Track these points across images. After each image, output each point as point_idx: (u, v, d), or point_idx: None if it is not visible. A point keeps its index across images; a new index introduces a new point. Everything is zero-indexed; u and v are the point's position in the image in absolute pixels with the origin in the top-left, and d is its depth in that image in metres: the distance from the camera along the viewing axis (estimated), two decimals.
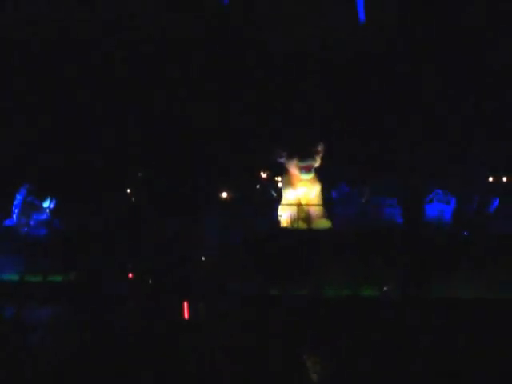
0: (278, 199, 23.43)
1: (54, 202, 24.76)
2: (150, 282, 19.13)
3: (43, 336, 15.75)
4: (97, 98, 28.70)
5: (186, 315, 16.80)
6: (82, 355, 14.00)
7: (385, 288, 18.10)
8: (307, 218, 22.40)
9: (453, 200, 23.28)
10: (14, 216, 24.49)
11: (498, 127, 28.03)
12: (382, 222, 22.29)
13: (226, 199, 25.12)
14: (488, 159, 27.16)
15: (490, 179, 27.68)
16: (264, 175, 26.76)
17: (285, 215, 22.66)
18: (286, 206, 22.76)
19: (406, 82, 25.60)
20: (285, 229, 22.19)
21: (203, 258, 19.96)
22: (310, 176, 22.84)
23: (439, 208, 23.02)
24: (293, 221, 22.19)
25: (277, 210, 22.90)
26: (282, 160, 23.15)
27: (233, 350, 14.11)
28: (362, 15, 25.18)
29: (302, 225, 22.17)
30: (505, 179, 27.71)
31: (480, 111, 27.97)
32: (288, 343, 14.63)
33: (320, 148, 22.87)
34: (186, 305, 17.00)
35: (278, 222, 22.54)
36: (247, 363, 13.19)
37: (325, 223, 22.26)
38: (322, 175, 23.08)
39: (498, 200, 24.17)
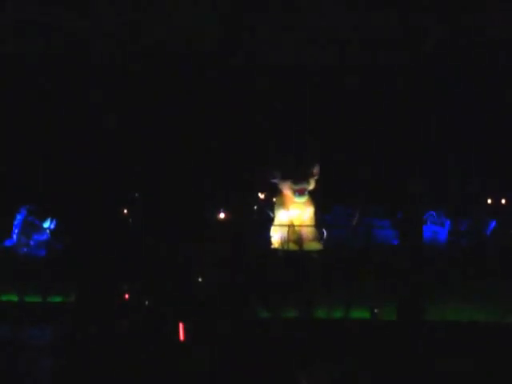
0: (274, 220, 23.46)
1: (54, 222, 24.94)
2: (147, 303, 19.30)
3: (40, 357, 15.95)
4: (95, 116, 28.91)
5: (182, 337, 16.99)
6: (78, 375, 14.24)
7: (375, 310, 18.22)
8: (299, 240, 22.36)
9: (447, 222, 23.44)
10: (14, 236, 24.65)
11: (498, 149, 28.05)
12: (373, 243, 22.35)
13: (223, 220, 25.23)
14: (486, 181, 27.16)
15: (489, 201, 27.66)
16: (262, 196, 26.78)
17: (276, 236, 22.69)
18: (277, 227, 22.77)
19: (404, 102, 25.59)
20: (275, 250, 22.22)
21: (200, 280, 20.07)
22: (304, 199, 22.75)
23: (433, 230, 23.20)
24: (283, 242, 22.18)
25: (269, 230, 22.92)
26: (276, 181, 23.10)
27: (228, 371, 14.33)
28: None
29: (292, 246, 22.10)
30: (504, 201, 27.70)
31: (479, 132, 28.04)
32: (281, 365, 14.86)
33: (315, 171, 22.79)
34: (181, 326, 17.17)
35: (270, 243, 22.56)
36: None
37: (316, 246, 22.24)
38: (315, 197, 23.02)
39: (494, 222, 24.32)
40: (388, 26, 24.77)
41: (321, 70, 28.30)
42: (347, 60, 27.47)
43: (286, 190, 22.87)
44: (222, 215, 25.19)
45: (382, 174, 26.10)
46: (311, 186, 22.82)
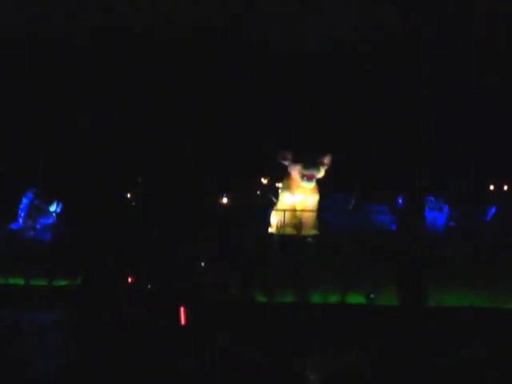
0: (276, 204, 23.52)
1: (60, 205, 25.10)
2: (149, 286, 19.56)
3: (46, 340, 16.25)
4: (99, 101, 29.13)
5: (183, 321, 17.27)
6: (81, 359, 14.53)
7: (371, 295, 18.42)
8: (298, 225, 22.38)
9: (446, 207, 23.50)
10: (20, 219, 24.80)
11: (498, 134, 28.06)
12: (371, 228, 22.37)
13: (225, 204, 25.31)
14: (487, 167, 27.15)
15: (491, 187, 27.57)
16: (265, 181, 26.85)
17: (275, 220, 22.67)
18: (278, 212, 22.70)
19: (404, 90, 25.64)
20: (272, 234, 22.23)
21: (203, 264, 20.25)
22: (311, 185, 22.64)
23: (431, 215, 23.24)
24: (279, 227, 22.16)
25: (269, 215, 22.94)
26: (286, 163, 23.05)
27: (228, 355, 14.60)
28: None
29: (289, 231, 22.09)
30: (506, 188, 27.60)
31: (480, 117, 28.06)
32: (279, 350, 15.16)
33: (327, 160, 22.68)
34: (182, 310, 17.42)
35: (268, 228, 22.62)
36: (243, 369, 13.66)
37: (313, 232, 22.22)
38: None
39: (494, 208, 24.34)
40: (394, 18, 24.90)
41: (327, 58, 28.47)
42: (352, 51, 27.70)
43: (295, 174, 22.70)
44: (224, 200, 25.24)
45: (380, 160, 26.18)
46: (321, 173, 22.69)
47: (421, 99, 22.77)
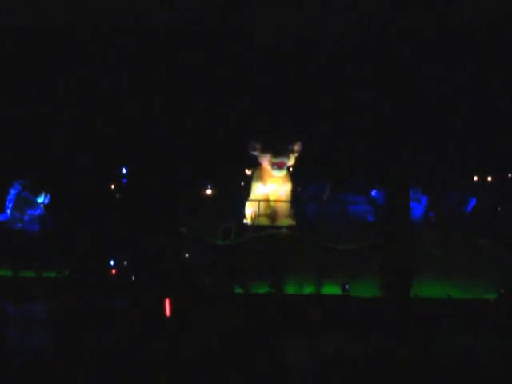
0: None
1: (48, 197, 25.29)
2: (133, 278, 19.85)
3: (33, 332, 16.59)
4: (85, 92, 29.33)
5: (168, 313, 17.62)
6: (67, 352, 14.88)
7: (346, 286, 18.75)
8: (272, 215, 22.45)
9: (424, 198, 23.71)
10: (8, 211, 25.01)
11: (481, 125, 28.21)
12: (346, 219, 22.58)
13: (209, 196, 25.45)
14: (467, 157, 27.33)
15: (475, 178, 27.79)
16: (249, 172, 27.07)
17: (249, 211, 22.75)
18: (252, 202, 22.80)
19: (383, 77, 25.71)
20: (246, 225, 22.32)
21: (187, 255, 20.53)
22: (282, 173, 22.69)
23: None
24: (255, 217, 22.24)
25: (244, 205, 23.04)
26: (256, 153, 23.02)
27: (214, 347, 15.00)
28: None
29: (263, 221, 22.18)
30: (489, 178, 27.82)
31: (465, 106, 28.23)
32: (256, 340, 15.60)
33: (296, 147, 22.73)
34: (167, 302, 17.75)
35: (243, 218, 22.73)
36: (228, 360, 14.06)
37: (288, 222, 22.30)
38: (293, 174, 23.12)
39: (474, 199, 24.58)
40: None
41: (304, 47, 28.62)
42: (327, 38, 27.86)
43: (265, 163, 22.76)
44: (208, 191, 25.39)
45: (357, 149, 26.28)
46: (291, 161, 22.75)
47: (400, 86, 22.77)
